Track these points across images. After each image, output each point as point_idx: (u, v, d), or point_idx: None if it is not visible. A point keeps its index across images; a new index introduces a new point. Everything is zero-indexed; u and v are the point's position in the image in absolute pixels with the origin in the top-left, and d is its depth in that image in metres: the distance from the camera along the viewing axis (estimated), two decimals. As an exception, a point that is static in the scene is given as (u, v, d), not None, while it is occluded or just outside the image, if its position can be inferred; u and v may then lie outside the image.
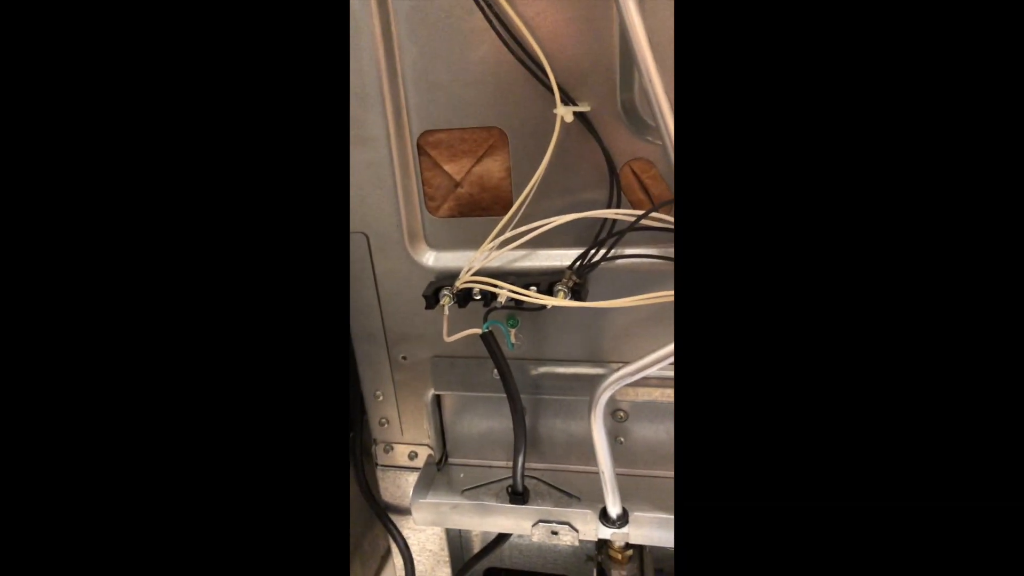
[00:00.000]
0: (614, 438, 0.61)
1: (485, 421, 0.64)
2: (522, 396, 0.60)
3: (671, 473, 0.60)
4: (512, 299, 0.49)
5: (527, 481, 0.59)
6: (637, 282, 0.51)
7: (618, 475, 0.58)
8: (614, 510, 0.54)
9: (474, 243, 0.52)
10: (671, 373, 0.56)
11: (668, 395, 0.57)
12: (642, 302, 0.48)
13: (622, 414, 0.60)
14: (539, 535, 0.55)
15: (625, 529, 0.53)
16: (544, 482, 0.60)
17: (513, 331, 0.55)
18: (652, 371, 0.46)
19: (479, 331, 0.50)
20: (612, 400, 0.59)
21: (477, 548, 0.72)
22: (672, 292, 0.48)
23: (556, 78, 0.45)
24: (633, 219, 0.47)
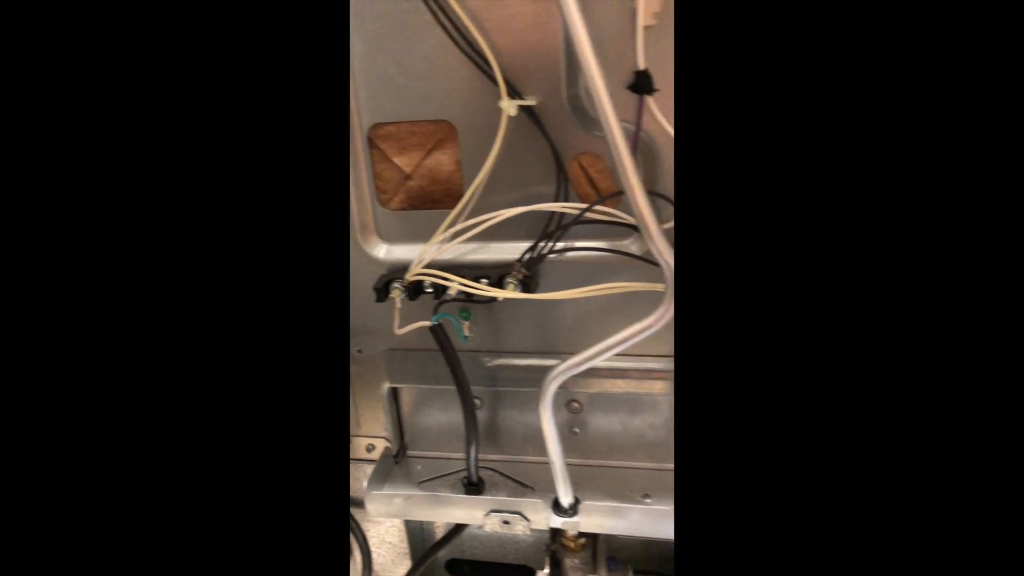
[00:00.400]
0: (569, 429, 0.62)
1: (444, 414, 0.64)
2: (479, 388, 0.61)
3: (626, 463, 0.61)
4: (462, 292, 0.49)
5: (484, 472, 0.60)
6: (587, 275, 0.51)
7: (574, 465, 0.58)
8: (566, 499, 0.54)
9: (426, 236, 0.52)
10: (622, 364, 0.57)
11: (619, 386, 0.58)
12: (589, 293, 0.48)
13: (577, 405, 0.61)
14: (491, 525, 0.55)
15: (576, 518, 0.54)
16: (500, 473, 0.61)
17: (466, 324, 0.55)
18: (598, 362, 0.47)
19: (428, 323, 0.51)
20: (567, 391, 0.60)
21: (439, 540, 0.73)
22: (619, 284, 0.49)
23: (503, 72, 0.46)
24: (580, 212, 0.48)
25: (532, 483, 0.59)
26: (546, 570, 0.58)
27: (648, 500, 0.55)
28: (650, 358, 0.56)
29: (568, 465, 0.54)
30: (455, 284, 0.49)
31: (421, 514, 0.58)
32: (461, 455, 0.64)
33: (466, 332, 0.55)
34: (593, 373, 0.58)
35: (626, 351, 0.53)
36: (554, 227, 0.50)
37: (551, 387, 0.49)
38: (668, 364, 0.56)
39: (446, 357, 0.52)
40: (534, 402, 0.61)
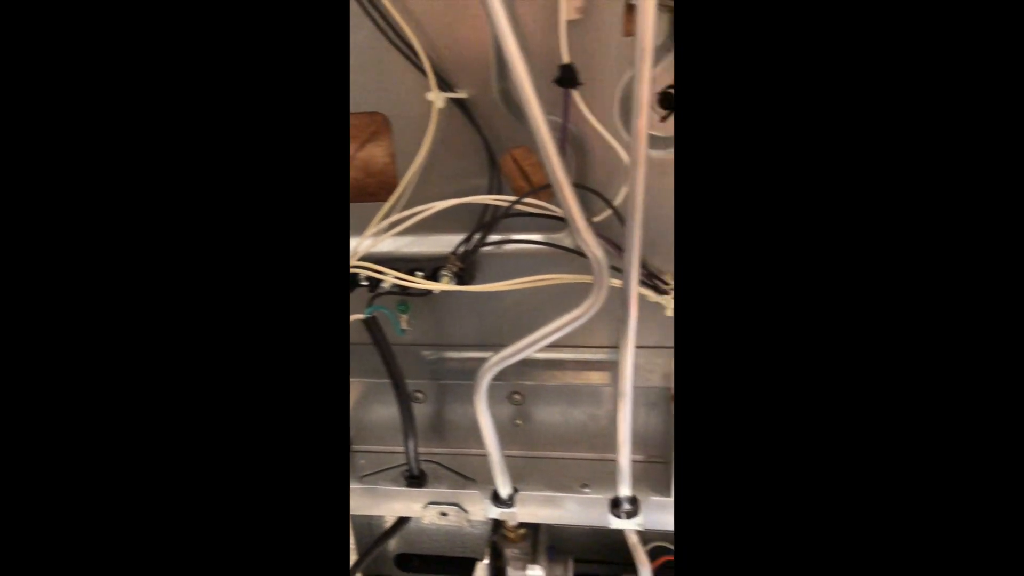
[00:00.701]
0: (512, 421, 0.62)
1: (387, 408, 0.64)
2: (421, 382, 0.61)
3: (568, 454, 0.62)
4: (397, 285, 0.49)
5: (427, 466, 0.60)
6: (525, 267, 0.52)
7: (517, 457, 0.59)
8: (504, 491, 0.55)
9: (361, 230, 0.52)
10: (562, 356, 0.57)
11: (559, 377, 0.58)
12: (519, 286, 0.49)
13: (519, 397, 0.61)
14: (429, 517, 0.56)
15: (513, 508, 0.55)
16: (443, 466, 0.61)
17: (403, 317, 0.55)
18: (531, 352, 0.47)
19: (361, 316, 0.51)
20: (509, 384, 0.61)
21: (387, 535, 0.72)
22: (549, 276, 0.49)
23: (434, 64, 0.46)
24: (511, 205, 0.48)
25: (475, 475, 0.59)
26: (486, 560, 0.58)
27: (586, 490, 0.56)
28: (588, 349, 0.57)
29: (511, 456, 0.55)
30: (389, 277, 0.49)
31: (361, 508, 0.58)
32: (403, 449, 0.64)
33: (403, 325, 0.55)
34: (534, 365, 0.59)
35: (565, 343, 0.54)
36: (488, 219, 0.50)
37: (485, 379, 0.49)
38: (607, 355, 0.57)
39: (379, 350, 0.52)
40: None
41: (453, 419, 0.64)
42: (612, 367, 0.57)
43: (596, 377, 0.59)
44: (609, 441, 0.61)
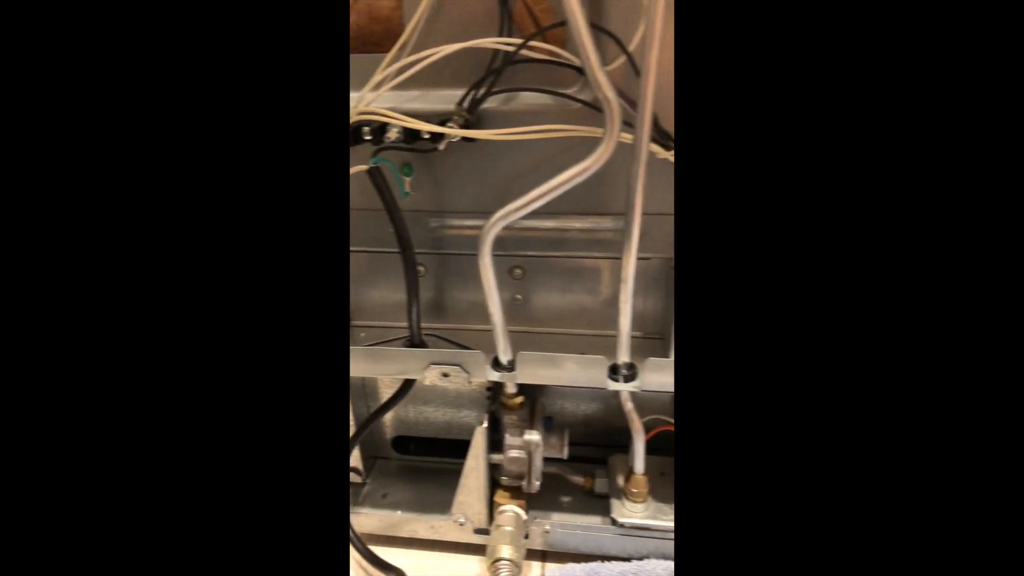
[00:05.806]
0: (512, 296, 0.62)
1: (389, 282, 0.64)
2: (422, 255, 0.60)
3: (566, 330, 0.63)
4: (403, 133, 0.48)
5: (428, 338, 0.60)
6: (532, 124, 0.50)
7: (516, 332, 0.59)
8: (505, 357, 0.55)
9: (364, 85, 0.50)
10: (565, 224, 0.57)
11: (559, 248, 0.58)
12: (529, 136, 0.48)
13: (519, 271, 0.61)
14: (431, 378, 0.56)
15: (514, 371, 0.55)
16: (443, 338, 0.61)
17: (408, 180, 0.54)
18: (540, 204, 0.47)
19: (365, 167, 0.49)
20: (510, 258, 0.60)
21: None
22: (560, 127, 0.48)
23: None
24: (522, 50, 0.46)
25: (475, 347, 0.60)
26: (484, 424, 0.59)
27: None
28: (592, 217, 0.56)
29: (510, 331, 0.55)
30: (395, 121, 0.48)
31: (362, 370, 0.59)
32: (405, 324, 0.64)
33: (407, 188, 0.54)
34: (537, 242, 0.58)
35: (570, 210, 0.53)
36: (497, 65, 0.48)
37: (491, 233, 0.49)
38: (613, 223, 0.56)
39: (383, 200, 0.51)
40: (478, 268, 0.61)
41: (452, 293, 0.64)
42: (615, 245, 0.57)
43: (598, 252, 0.59)
44: (607, 319, 0.62)
